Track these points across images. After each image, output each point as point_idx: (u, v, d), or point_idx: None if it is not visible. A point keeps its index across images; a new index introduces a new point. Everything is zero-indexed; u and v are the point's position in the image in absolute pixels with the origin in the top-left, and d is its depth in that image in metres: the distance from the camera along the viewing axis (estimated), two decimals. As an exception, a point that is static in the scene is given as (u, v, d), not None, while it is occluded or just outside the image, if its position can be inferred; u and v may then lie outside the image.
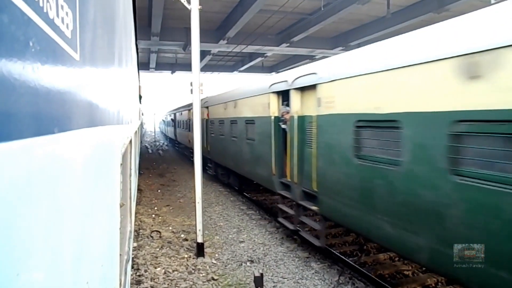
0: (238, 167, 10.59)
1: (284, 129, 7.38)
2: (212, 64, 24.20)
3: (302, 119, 6.48)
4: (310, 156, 6.12)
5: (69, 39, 0.83)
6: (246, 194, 11.52)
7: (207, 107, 13.99)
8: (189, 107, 16.93)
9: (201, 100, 14.20)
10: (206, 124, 14.19)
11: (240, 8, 13.42)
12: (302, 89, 6.44)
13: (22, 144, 0.55)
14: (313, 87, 5.88)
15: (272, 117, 7.67)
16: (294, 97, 6.63)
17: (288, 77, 6.97)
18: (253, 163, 9.08)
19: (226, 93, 12.64)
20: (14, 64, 0.51)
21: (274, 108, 7.68)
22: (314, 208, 6.03)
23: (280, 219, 7.52)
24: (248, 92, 9.49)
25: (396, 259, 6.21)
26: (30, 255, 0.59)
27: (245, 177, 10.31)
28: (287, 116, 7.09)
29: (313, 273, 5.84)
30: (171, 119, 29.82)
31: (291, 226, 7.02)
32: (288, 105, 7.12)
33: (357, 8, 12.59)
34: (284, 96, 7.39)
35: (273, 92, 7.65)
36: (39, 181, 0.64)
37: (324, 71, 5.66)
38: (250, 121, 9.10)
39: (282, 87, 7.24)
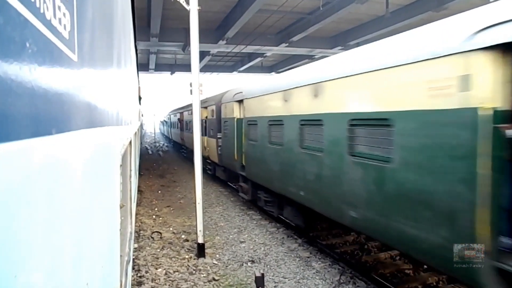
0: (319, 203, 5.99)
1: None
2: (211, 65, 24.24)
3: None
4: None
5: (67, 40, 0.83)
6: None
7: (239, 101, 9.86)
8: (203, 103, 12.71)
9: (230, 91, 12.20)
10: (238, 126, 9.88)
11: (239, 8, 13.44)
12: None
13: (20, 145, 0.55)
14: None
15: (483, 113, 3.16)
16: None
17: None
18: (381, 208, 4.42)
19: (286, 75, 8.30)
20: (10, 65, 0.51)
21: (486, 90, 3.17)
22: None
23: None
24: (366, 61, 4.81)
25: (397, 258, 6.21)
26: (29, 257, 0.58)
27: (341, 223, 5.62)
28: None
29: (314, 273, 5.84)
30: (178, 119, 24.46)
31: None
32: None
33: (356, 7, 12.60)
34: None
35: (486, 48, 3.13)
36: (38, 183, 0.64)
37: None
38: (370, 121, 4.64)
39: None
